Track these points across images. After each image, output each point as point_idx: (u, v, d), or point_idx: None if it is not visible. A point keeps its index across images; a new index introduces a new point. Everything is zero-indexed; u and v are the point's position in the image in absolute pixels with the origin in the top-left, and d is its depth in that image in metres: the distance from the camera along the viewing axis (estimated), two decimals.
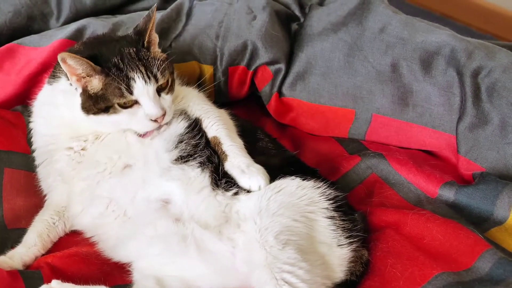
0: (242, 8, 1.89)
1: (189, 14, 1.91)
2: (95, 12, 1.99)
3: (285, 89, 1.88)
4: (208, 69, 1.89)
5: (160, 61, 1.48)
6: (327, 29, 1.85)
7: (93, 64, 1.41)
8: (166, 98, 1.49)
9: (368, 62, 1.80)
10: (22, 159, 1.68)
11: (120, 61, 1.44)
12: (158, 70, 1.46)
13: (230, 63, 1.87)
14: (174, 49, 1.87)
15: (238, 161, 1.48)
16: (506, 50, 1.78)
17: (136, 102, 1.45)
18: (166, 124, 1.51)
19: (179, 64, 1.86)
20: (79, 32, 1.83)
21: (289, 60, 1.88)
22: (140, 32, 1.52)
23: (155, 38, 1.55)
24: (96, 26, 1.84)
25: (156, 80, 1.46)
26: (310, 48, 1.86)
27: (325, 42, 1.84)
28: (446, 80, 1.73)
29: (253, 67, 1.87)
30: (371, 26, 1.82)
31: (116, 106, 1.44)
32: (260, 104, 1.97)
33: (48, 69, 1.73)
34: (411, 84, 1.77)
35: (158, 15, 1.88)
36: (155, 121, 1.47)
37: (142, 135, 1.51)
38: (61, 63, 1.42)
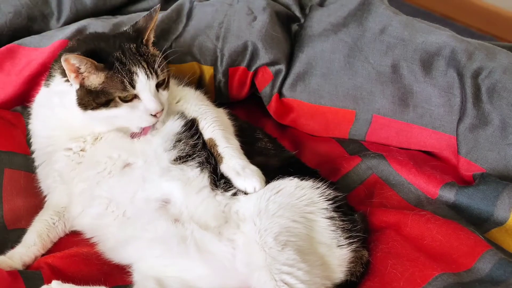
0: (242, 9, 1.89)
1: (189, 15, 1.91)
2: (95, 13, 1.99)
3: (285, 90, 1.88)
4: (208, 70, 1.89)
5: (158, 58, 1.50)
6: (328, 30, 1.85)
7: (96, 62, 1.42)
8: (163, 94, 1.52)
9: (369, 63, 1.80)
10: (22, 159, 1.68)
11: (122, 55, 1.45)
12: (159, 67, 1.49)
13: (230, 64, 1.87)
14: (174, 49, 1.87)
15: (233, 163, 1.48)
16: (506, 51, 1.78)
17: (135, 97, 1.46)
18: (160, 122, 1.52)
19: (179, 65, 1.87)
20: (79, 33, 1.83)
21: (290, 61, 1.88)
22: (140, 30, 1.54)
23: (151, 37, 1.56)
24: (96, 26, 1.84)
25: (157, 76, 1.48)
26: (310, 49, 1.86)
27: (325, 43, 1.84)
28: (446, 81, 1.73)
29: (254, 68, 1.87)
30: (371, 27, 1.82)
31: (117, 99, 1.45)
32: (260, 105, 1.97)
33: (48, 69, 1.72)
34: (411, 85, 1.77)
35: (158, 16, 1.87)
36: (154, 116, 1.48)
37: (135, 135, 1.52)
38: (63, 63, 1.42)
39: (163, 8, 2.00)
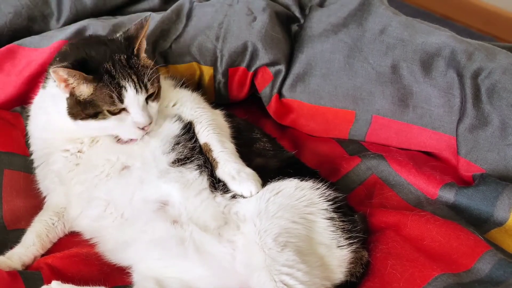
0: (242, 9, 1.89)
1: (189, 16, 1.91)
2: (95, 13, 1.99)
3: (285, 91, 1.88)
4: (208, 71, 1.89)
5: (149, 70, 1.48)
6: (327, 30, 1.85)
7: (85, 74, 1.41)
8: (152, 105, 1.51)
9: (368, 63, 1.80)
10: (22, 160, 1.69)
11: (112, 68, 1.44)
12: (149, 80, 1.47)
13: (230, 64, 1.87)
14: (174, 50, 1.87)
15: (228, 167, 1.48)
16: (506, 51, 1.78)
17: (124, 110, 1.46)
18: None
19: (179, 65, 1.87)
20: (79, 33, 1.83)
21: (289, 61, 1.88)
22: (130, 38, 1.52)
23: (144, 45, 1.54)
24: (96, 27, 1.84)
25: (146, 90, 1.47)
26: (310, 49, 1.86)
27: (325, 44, 1.84)
28: (446, 82, 1.73)
29: (253, 68, 1.87)
30: (371, 28, 1.82)
31: (106, 112, 1.45)
32: (260, 105, 1.97)
33: None
34: (411, 85, 1.77)
35: (158, 17, 1.88)
36: (142, 129, 1.48)
37: (122, 141, 1.52)
38: (52, 74, 1.42)
39: (162, 9, 2.01)
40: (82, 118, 1.46)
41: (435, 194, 1.61)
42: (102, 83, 1.43)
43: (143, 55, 1.54)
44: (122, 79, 1.44)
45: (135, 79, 1.45)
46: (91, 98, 1.44)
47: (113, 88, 1.42)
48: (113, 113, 1.45)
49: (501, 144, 1.65)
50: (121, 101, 1.44)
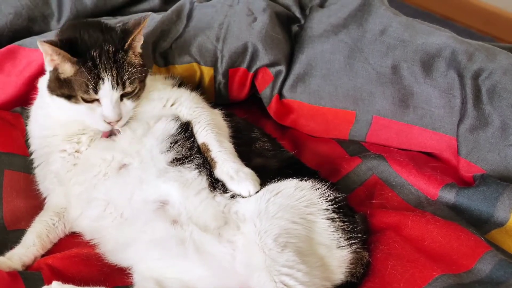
0: (242, 10, 1.89)
1: (189, 16, 1.91)
2: (95, 14, 1.99)
3: (285, 91, 1.88)
4: (208, 71, 1.89)
5: (133, 68, 1.49)
6: (328, 30, 1.85)
7: (69, 55, 1.44)
8: (127, 104, 1.52)
9: (369, 64, 1.80)
10: (22, 161, 1.68)
11: (97, 56, 1.46)
12: (128, 79, 1.48)
13: (230, 65, 1.87)
14: (174, 50, 1.87)
15: (227, 167, 1.48)
16: (506, 52, 1.78)
17: (97, 100, 1.48)
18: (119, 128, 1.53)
19: (179, 66, 1.87)
20: None
21: (290, 62, 1.88)
22: (126, 32, 1.53)
23: (139, 41, 1.55)
24: None
25: (123, 88, 1.49)
26: (310, 50, 1.86)
27: (325, 44, 1.84)
28: (446, 82, 1.73)
29: (254, 69, 1.87)
30: (371, 28, 1.82)
31: (79, 97, 1.47)
32: (260, 106, 1.97)
33: None
34: (411, 86, 1.77)
35: (158, 17, 1.88)
36: (109, 123, 1.50)
37: (106, 135, 1.55)
38: (40, 46, 1.44)
39: (163, 9, 2.00)
40: (57, 95, 1.49)
41: (435, 195, 1.61)
42: (84, 68, 1.44)
43: (135, 52, 1.54)
44: (103, 71, 1.45)
45: (115, 74, 1.46)
46: (69, 79, 1.46)
47: (92, 77, 1.44)
48: (86, 101, 1.48)
49: (501, 145, 1.65)
50: (96, 92, 1.46)
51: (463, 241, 1.43)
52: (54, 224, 1.57)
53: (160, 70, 1.86)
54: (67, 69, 1.46)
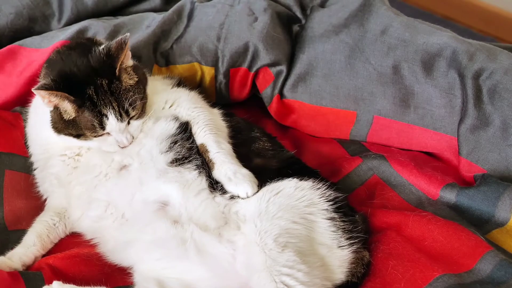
0: (243, 9, 1.89)
1: (190, 16, 1.91)
2: (96, 14, 2.00)
3: (286, 91, 1.88)
4: (209, 71, 1.89)
5: (131, 93, 1.47)
6: (329, 31, 1.85)
7: (67, 95, 1.41)
8: (134, 124, 1.51)
9: (370, 64, 1.80)
10: (23, 161, 1.68)
11: (94, 94, 1.43)
12: (130, 105, 1.47)
13: (231, 65, 1.87)
14: (175, 50, 1.87)
15: (225, 168, 1.48)
16: (507, 52, 1.78)
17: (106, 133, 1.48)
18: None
19: (180, 65, 1.87)
20: (80, 34, 1.83)
21: (291, 62, 1.88)
22: (111, 58, 1.47)
23: (127, 58, 1.51)
24: (97, 27, 1.84)
25: (128, 115, 1.47)
26: (311, 50, 1.86)
27: (326, 44, 1.84)
28: (447, 82, 1.73)
29: (255, 69, 1.87)
30: (372, 28, 1.82)
31: (88, 135, 1.47)
32: (261, 105, 1.97)
33: None
34: (412, 86, 1.77)
35: (159, 17, 1.88)
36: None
37: None
38: (35, 93, 1.42)
39: (163, 9, 2.01)
40: (65, 134, 1.48)
41: (436, 195, 1.61)
42: (84, 108, 1.43)
43: (127, 70, 1.50)
44: (103, 107, 1.43)
45: (116, 107, 1.45)
46: (74, 120, 1.45)
47: (95, 116, 1.43)
48: (96, 136, 1.47)
49: (502, 145, 1.64)
50: (103, 128, 1.45)
51: (464, 241, 1.43)
52: (54, 224, 1.57)
53: (161, 70, 1.86)
54: (68, 107, 1.44)
